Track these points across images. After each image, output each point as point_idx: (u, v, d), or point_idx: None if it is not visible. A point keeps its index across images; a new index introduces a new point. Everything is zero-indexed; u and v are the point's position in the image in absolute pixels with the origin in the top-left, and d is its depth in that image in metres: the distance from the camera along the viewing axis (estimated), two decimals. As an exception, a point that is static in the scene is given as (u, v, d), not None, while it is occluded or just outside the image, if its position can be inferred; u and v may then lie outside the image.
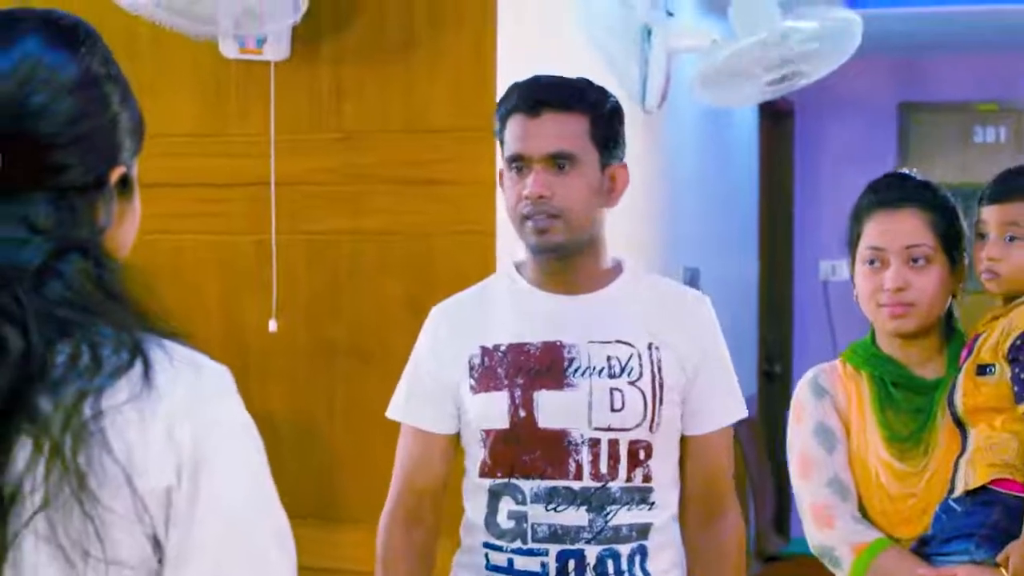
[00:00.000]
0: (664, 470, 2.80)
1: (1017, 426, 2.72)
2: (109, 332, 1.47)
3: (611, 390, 2.75)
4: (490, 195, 3.85)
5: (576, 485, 2.74)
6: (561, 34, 4.46)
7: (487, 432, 2.80)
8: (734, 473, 2.99)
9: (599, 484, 2.74)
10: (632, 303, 2.83)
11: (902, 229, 2.90)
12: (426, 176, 3.94)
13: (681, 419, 2.83)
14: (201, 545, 1.47)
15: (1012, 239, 2.85)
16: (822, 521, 2.87)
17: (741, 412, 2.92)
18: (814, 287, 8.23)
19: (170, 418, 1.47)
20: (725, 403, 2.90)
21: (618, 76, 4.78)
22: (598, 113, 2.78)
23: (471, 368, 2.82)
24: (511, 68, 3.91)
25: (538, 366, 2.76)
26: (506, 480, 2.77)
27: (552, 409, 2.75)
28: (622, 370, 2.76)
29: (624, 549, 2.75)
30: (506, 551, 2.78)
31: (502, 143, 2.85)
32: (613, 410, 2.74)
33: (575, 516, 2.73)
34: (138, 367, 1.46)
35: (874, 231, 2.93)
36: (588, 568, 2.73)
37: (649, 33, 5.09)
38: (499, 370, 2.78)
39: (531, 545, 2.75)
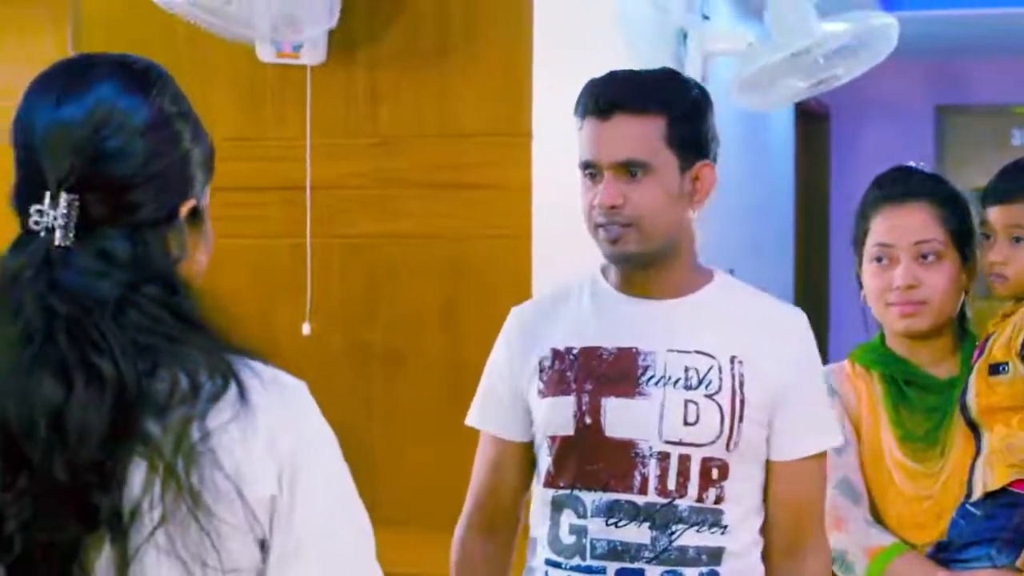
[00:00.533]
0: (743, 493, 2.57)
1: None
2: (200, 358, 1.58)
3: (685, 402, 2.54)
4: (525, 199, 3.85)
5: (640, 500, 2.53)
6: (596, 38, 4.45)
7: (552, 439, 2.61)
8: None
9: (665, 500, 2.52)
10: (718, 313, 2.62)
11: (910, 224, 2.80)
12: (461, 180, 3.95)
13: (767, 442, 2.59)
14: (301, 545, 1.61)
15: (1018, 240, 2.76)
16: (833, 524, 2.73)
17: (833, 440, 2.65)
18: (850, 289, 8.19)
19: (270, 432, 1.60)
20: (815, 429, 2.62)
21: (653, 80, 4.76)
22: (676, 112, 2.55)
23: (540, 371, 2.64)
24: (546, 73, 3.91)
25: (610, 372, 2.57)
26: (568, 491, 2.59)
27: (620, 417, 2.55)
28: (699, 382, 2.55)
29: (691, 573, 2.53)
30: (565, 568, 2.59)
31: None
32: (686, 423, 2.53)
33: (636, 533, 2.53)
34: (233, 389, 1.58)
35: (881, 227, 2.84)
36: None
37: (685, 37, 5.08)
38: (568, 374, 2.60)
39: (590, 562, 2.56)
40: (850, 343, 3.07)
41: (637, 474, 2.53)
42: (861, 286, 2.92)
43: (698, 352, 2.56)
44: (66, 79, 1.65)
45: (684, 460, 2.53)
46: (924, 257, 2.79)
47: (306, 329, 3.98)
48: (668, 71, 2.66)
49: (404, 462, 3.96)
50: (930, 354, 2.85)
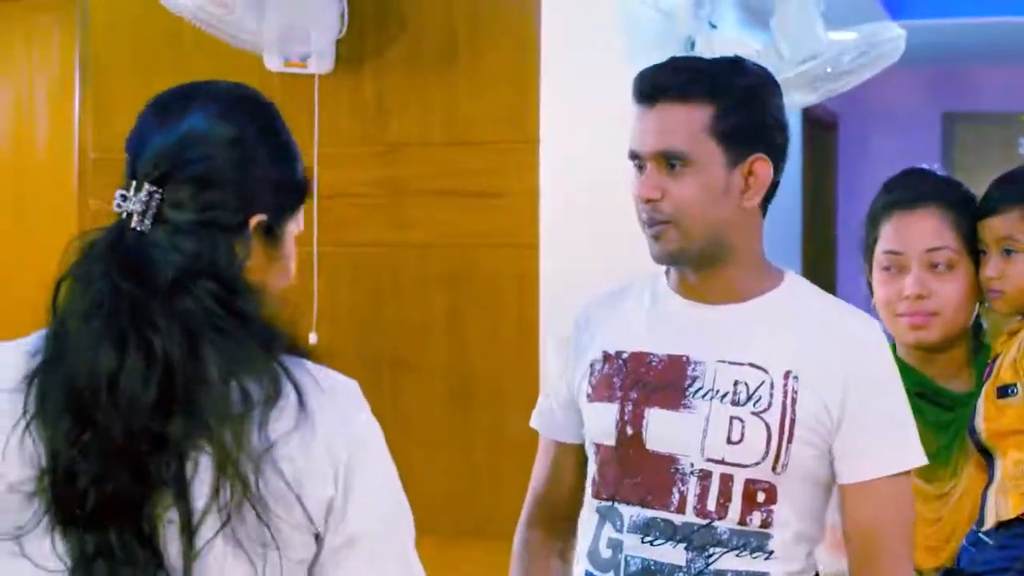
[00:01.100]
0: (793, 517, 2.37)
1: None
2: (246, 355, 1.72)
3: (731, 419, 2.35)
4: (533, 206, 3.85)
5: (677, 519, 2.36)
6: (603, 45, 4.46)
7: (597, 447, 2.47)
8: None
9: (703, 522, 2.35)
10: (778, 322, 2.41)
11: (921, 230, 2.66)
12: (468, 188, 3.95)
13: (832, 464, 2.38)
14: (354, 539, 1.76)
15: (1010, 252, 2.62)
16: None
17: (911, 460, 2.40)
18: (857, 298, 8.19)
19: (327, 438, 1.75)
20: (888, 447, 2.38)
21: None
22: (726, 102, 2.35)
23: (591, 373, 2.48)
24: (553, 80, 3.91)
25: (656, 381, 2.41)
26: (609, 503, 2.44)
27: (662, 430, 2.38)
28: (748, 398, 2.35)
29: None
30: None
31: None
32: (730, 442, 2.34)
33: (671, 553, 2.36)
34: (292, 396, 1.73)
35: (891, 234, 2.69)
36: None
37: (692, 44, 5.09)
38: (616, 379, 2.44)
39: None
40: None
41: (676, 492, 2.37)
42: (872, 295, 2.79)
43: (751, 365, 2.37)
44: (170, 104, 1.86)
45: (726, 480, 2.35)
46: (935, 266, 2.65)
47: (313, 338, 3.98)
48: (730, 58, 2.46)
49: (411, 470, 3.93)
50: (943, 367, 2.71)
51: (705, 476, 2.35)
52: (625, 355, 2.45)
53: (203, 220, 1.77)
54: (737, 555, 2.35)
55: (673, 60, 2.44)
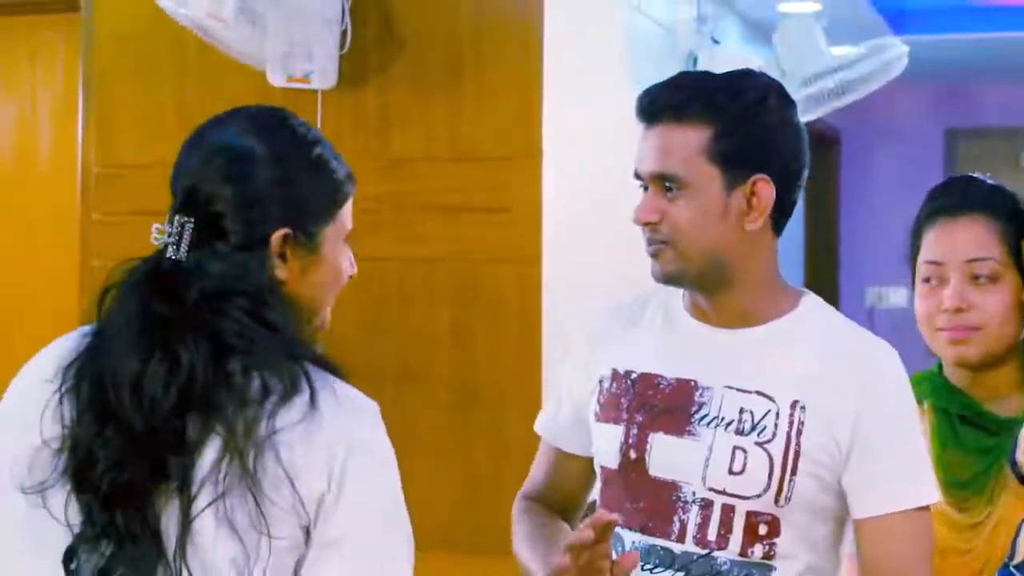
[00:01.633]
0: (801, 550, 2.29)
1: None
2: (272, 360, 1.86)
3: (734, 448, 2.27)
4: (536, 221, 3.86)
5: (677, 548, 2.29)
6: (606, 60, 4.47)
7: (602, 468, 2.41)
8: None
9: (703, 552, 2.28)
10: (791, 348, 2.32)
11: (963, 239, 2.48)
12: (471, 203, 3.95)
13: (842, 497, 2.29)
14: (339, 539, 1.84)
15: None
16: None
17: (924, 497, 2.29)
18: (860, 314, 8.21)
19: (331, 436, 1.85)
20: (901, 482, 2.28)
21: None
22: (725, 122, 2.28)
23: (600, 391, 2.42)
24: (556, 95, 3.92)
25: (663, 404, 2.33)
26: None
27: (665, 457, 2.31)
28: (752, 427, 2.27)
29: None
30: None
31: None
32: (731, 472, 2.26)
33: None
34: (305, 395, 1.84)
35: (932, 242, 2.51)
36: None
37: (695, 60, 5.10)
38: (623, 400, 2.37)
39: None
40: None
41: (676, 520, 2.30)
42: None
43: (758, 393, 2.29)
44: (196, 133, 2.02)
45: (727, 511, 2.27)
46: (976, 277, 2.47)
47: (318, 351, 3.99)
48: (738, 73, 2.38)
49: (414, 483, 3.94)
50: (990, 388, 2.51)
51: (706, 505, 2.28)
52: (634, 375, 2.39)
53: (228, 243, 1.92)
54: None
55: (676, 78, 2.37)
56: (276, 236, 1.95)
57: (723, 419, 2.29)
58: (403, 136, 4.04)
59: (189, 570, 1.81)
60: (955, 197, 2.52)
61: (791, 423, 2.26)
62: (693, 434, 2.30)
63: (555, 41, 3.95)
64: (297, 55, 3.83)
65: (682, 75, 2.38)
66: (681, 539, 2.29)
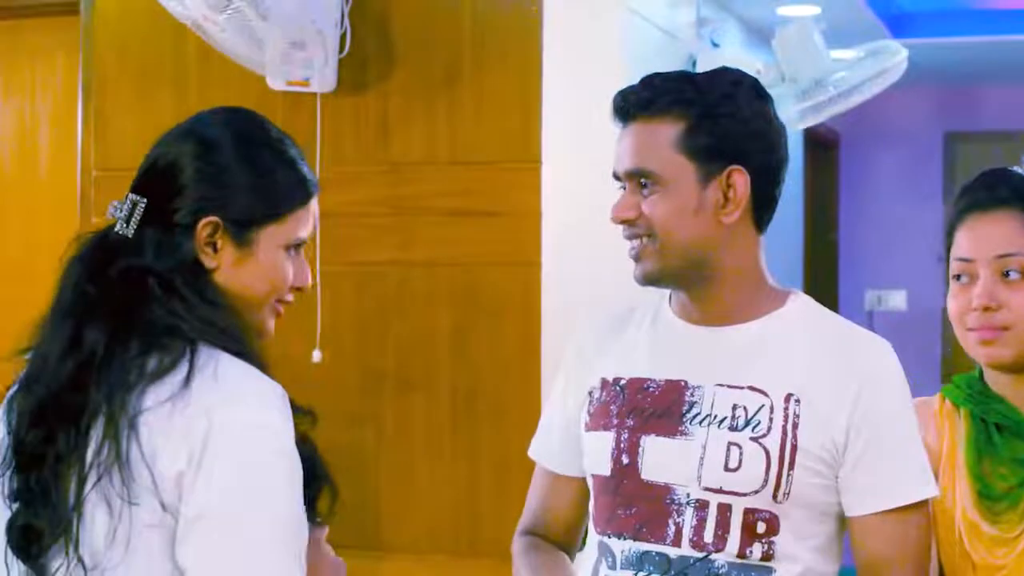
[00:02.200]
0: (800, 551, 2.25)
1: None
2: (175, 343, 1.92)
3: (728, 445, 2.24)
4: (535, 226, 3.86)
5: (673, 552, 2.25)
6: (605, 64, 4.47)
7: (594, 478, 2.37)
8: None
9: (700, 555, 2.23)
10: (782, 343, 2.30)
11: (993, 235, 2.35)
12: (471, 207, 3.95)
13: (837, 494, 2.27)
14: (200, 517, 1.86)
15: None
16: None
17: (920, 492, 2.27)
18: (859, 317, 8.21)
19: (192, 418, 1.88)
20: (895, 479, 2.25)
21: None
22: (696, 114, 2.27)
23: (589, 402, 2.40)
24: (556, 99, 3.92)
25: (654, 407, 2.30)
26: (604, 537, 2.34)
27: (658, 459, 2.28)
28: (746, 423, 2.24)
29: None
30: None
31: None
32: (727, 469, 2.23)
33: None
34: (181, 373, 1.90)
35: (962, 239, 2.39)
36: None
37: (695, 64, 5.10)
38: (612, 407, 2.35)
39: None
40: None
41: (671, 523, 2.26)
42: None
43: (750, 388, 2.27)
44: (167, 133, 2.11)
45: (724, 510, 2.23)
46: (1006, 274, 2.34)
47: (317, 356, 3.99)
48: (713, 70, 2.38)
49: (414, 488, 3.95)
50: None
51: (702, 506, 2.24)
52: (623, 381, 2.36)
53: (164, 222, 2.01)
54: None
55: (648, 76, 2.35)
56: (202, 223, 2.01)
57: (716, 416, 2.26)
58: (402, 140, 4.04)
59: (78, 542, 1.89)
60: (985, 191, 2.40)
61: (786, 417, 2.24)
62: (686, 434, 2.27)
63: (554, 46, 3.95)
64: (296, 59, 3.83)
65: (655, 74, 2.36)
66: (677, 543, 2.25)
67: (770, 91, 2.43)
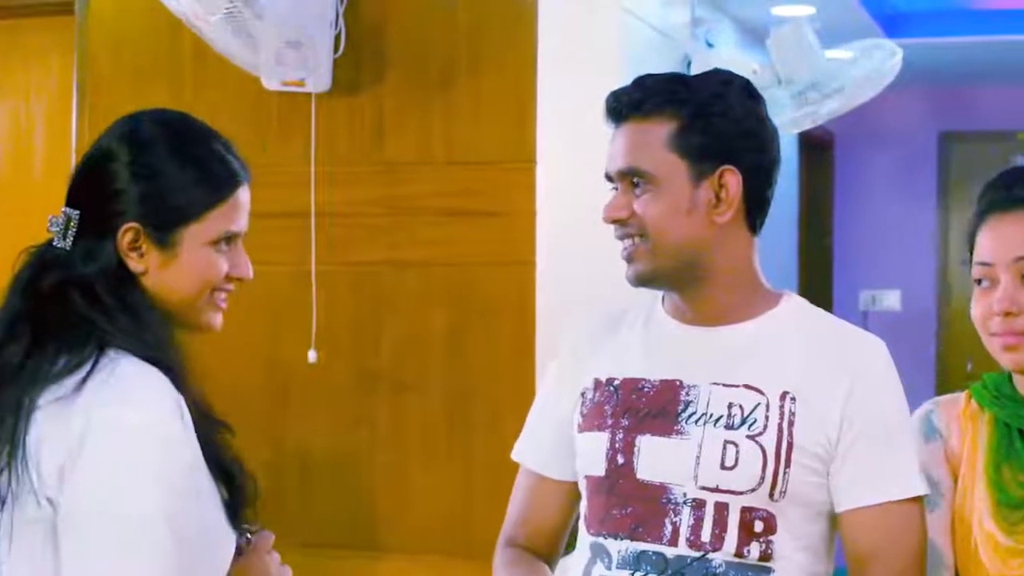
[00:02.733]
0: (797, 552, 2.24)
1: None
2: (85, 348, 1.97)
3: (725, 443, 2.23)
4: (530, 226, 3.86)
5: (669, 552, 2.23)
6: (601, 65, 4.47)
7: (588, 479, 2.36)
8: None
9: (697, 554, 2.22)
10: (776, 343, 2.31)
11: (1012, 237, 2.27)
12: (466, 207, 3.95)
13: (830, 491, 2.26)
14: (71, 514, 1.90)
15: None
16: None
17: (906, 490, 2.25)
18: (854, 317, 8.21)
19: (74, 414, 1.92)
20: (886, 475, 2.25)
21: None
22: (688, 114, 2.27)
23: (582, 403, 2.39)
24: (551, 100, 3.92)
25: (648, 407, 2.30)
26: (598, 537, 2.32)
27: (654, 458, 2.27)
28: (742, 421, 2.24)
29: None
30: None
31: None
32: (724, 467, 2.22)
33: None
34: (81, 374, 1.94)
35: (982, 242, 2.31)
36: None
37: (689, 64, 5.11)
38: (606, 407, 2.34)
39: None
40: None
41: (668, 523, 2.24)
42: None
43: (746, 386, 2.26)
44: None
45: (721, 509, 2.22)
46: None
47: (312, 356, 3.99)
48: (707, 71, 2.39)
49: (410, 488, 3.96)
50: None
51: (699, 506, 2.23)
52: (617, 382, 2.36)
53: (90, 232, 2.06)
54: None
55: (640, 77, 2.35)
56: (122, 230, 2.05)
57: (711, 415, 2.26)
58: (397, 140, 4.03)
59: None
60: (1004, 191, 2.32)
61: (782, 414, 2.24)
62: (682, 433, 2.26)
63: (550, 46, 3.95)
64: (291, 59, 3.83)
65: (647, 75, 2.36)
66: (674, 542, 2.24)
67: (766, 94, 2.43)
